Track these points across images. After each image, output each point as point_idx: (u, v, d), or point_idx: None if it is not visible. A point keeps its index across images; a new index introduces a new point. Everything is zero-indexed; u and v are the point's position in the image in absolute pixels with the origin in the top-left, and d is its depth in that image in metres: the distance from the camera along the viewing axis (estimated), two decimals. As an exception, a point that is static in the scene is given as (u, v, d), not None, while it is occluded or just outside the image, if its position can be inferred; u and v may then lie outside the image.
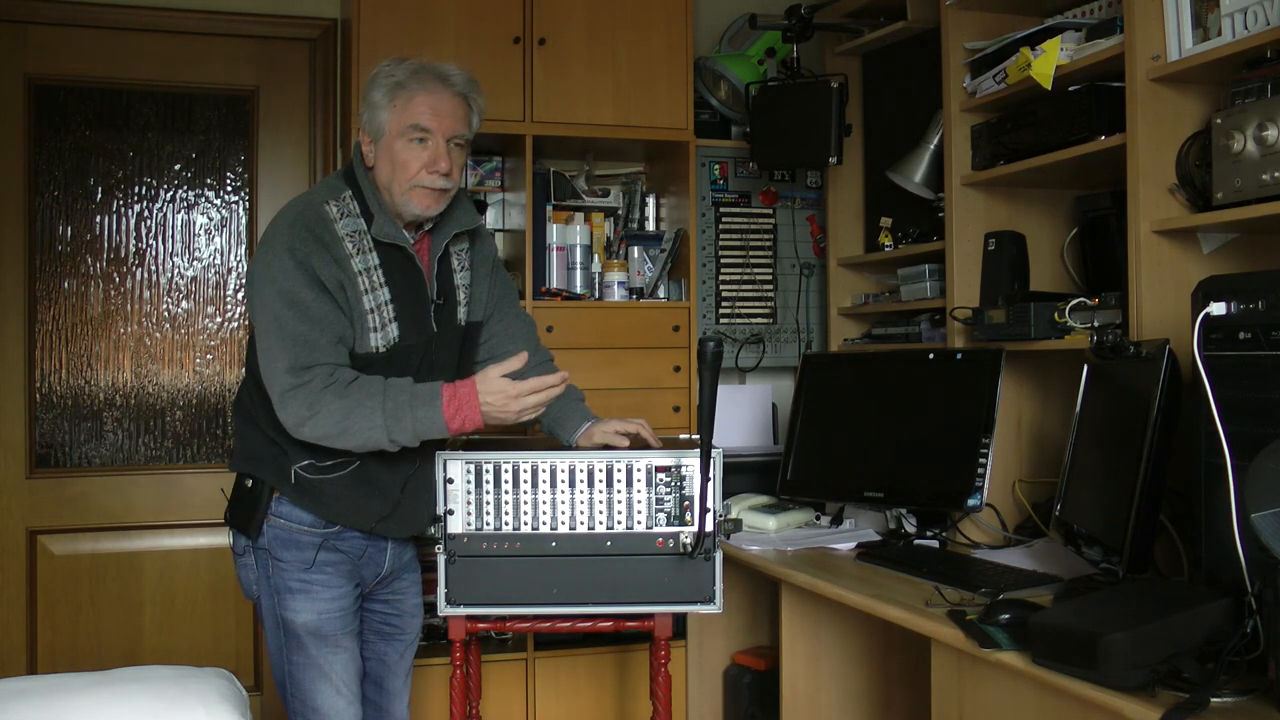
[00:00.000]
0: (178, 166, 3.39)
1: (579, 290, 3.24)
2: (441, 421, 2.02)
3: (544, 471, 2.18)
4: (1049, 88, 2.32)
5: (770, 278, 3.54)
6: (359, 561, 2.21)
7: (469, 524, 2.18)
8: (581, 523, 2.19)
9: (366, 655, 2.31)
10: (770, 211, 3.55)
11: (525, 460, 2.18)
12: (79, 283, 3.30)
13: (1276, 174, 1.82)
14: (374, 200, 2.13)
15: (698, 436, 2.09)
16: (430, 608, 2.38)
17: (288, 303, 2.02)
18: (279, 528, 2.14)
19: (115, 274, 3.33)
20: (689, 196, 3.25)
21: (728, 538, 2.27)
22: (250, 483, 2.17)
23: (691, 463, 2.18)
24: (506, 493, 2.18)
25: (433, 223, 2.21)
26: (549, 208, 3.29)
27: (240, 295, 3.42)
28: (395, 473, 2.17)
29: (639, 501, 2.19)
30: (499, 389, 2.03)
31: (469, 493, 2.18)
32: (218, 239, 3.41)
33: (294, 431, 2.04)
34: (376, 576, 2.26)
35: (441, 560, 2.19)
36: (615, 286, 3.26)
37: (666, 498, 2.19)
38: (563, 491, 2.19)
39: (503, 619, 2.34)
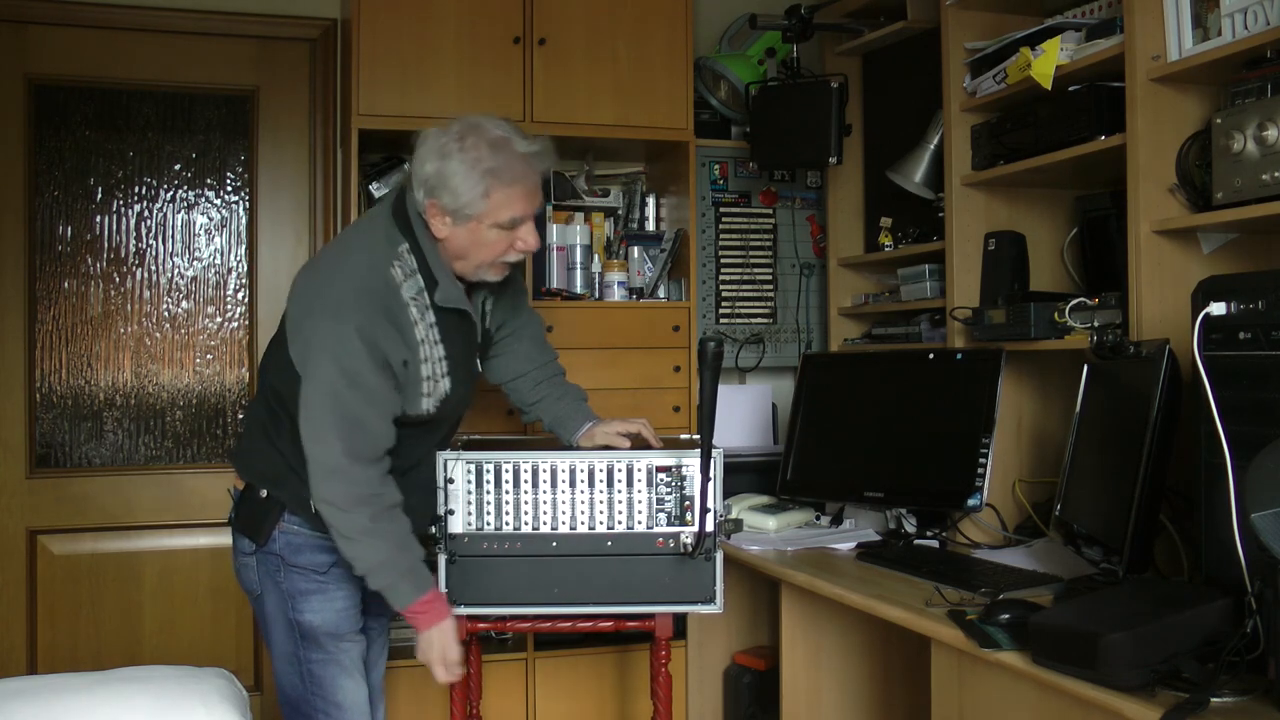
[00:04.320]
0: (178, 166, 3.39)
1: (579, 290, 3.24)
2: (403, 606, 2.08)
3: (544, 471, 2.18)
4: (1049, 88, 2.32)
5: (770, 278, 3.54)
6: None
7: (469, 524, 2.18)
8: (582, 523, 2.19)
9: None
10: (770, 211, 3.55)
11: (526, 460, 2.18)
12: (79, 283, 3.30)
13: (1276, 174, 1.82)
14: (437, 265, 2.08)
15: (698, 436, 2.09)
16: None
17: (350, 382, 1.98)
18: (291, 534, 2.14)
19: (115, 274, 3.33)
20: (689, 196, 3.25)
21: (728, 538, 2.27)
22: (265, 494, 2.16)
23: (692, 463, 2.18)
24: (507, 493, 2.18)
25: None
26: (549, 208, 3.29)
27: (241, 295, 3.42)
28: (418, 506, 2.18)
29: (639, 501, 2.19)
30: (446, 646, 2.11)
31: (469, 493, 2.18)
32: (218, 239, 3.41)
33: (314, 494, 2.04)
34: None
35: (442, 560, 2.19)
36: (615, 286, 3.26)
37: (667, 498, 2.19)
38: (563, 491, 2.19)
39: (503, 619, 2.33)
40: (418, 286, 2.06)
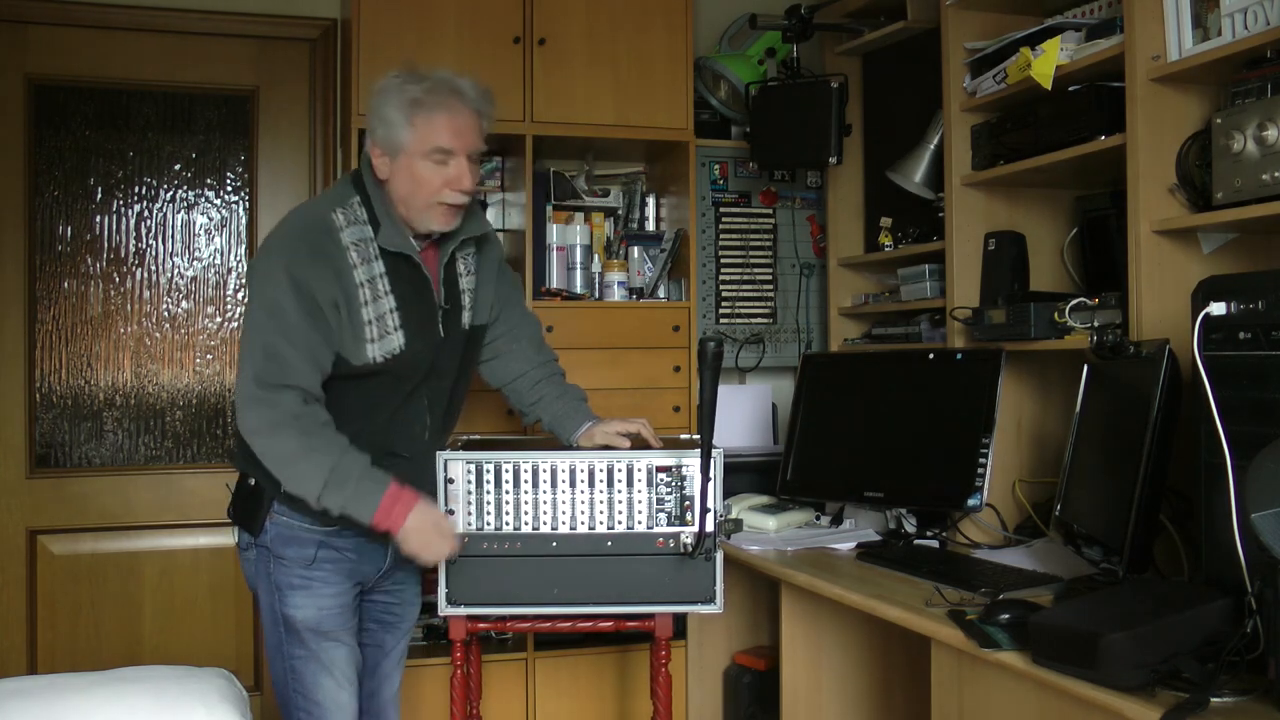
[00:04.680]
0: (178, 166, 3.39)
1: (579, 290, 3.24)
2: (371, 512, 2.05)
3: (544, 471, 2.18)
4: (1049, 88, 2.32)
5: (770, 278, 3.54)
6: (359, 559, 2.21)
7: (469, 524, 2.18)
8: (582, 523, 2.19)
9: (365, 641, 2.33)
10: (770, 211, 3.55)
11: (526, 460, 2.18)
12: (79, 283, 3.30)
13: (1276, 174, 1.82)
14: (382, 209, 2.13)
15: (698, 436, 2.09)
16: (430, 608, 2.38)
17: (271, 315, 2.03)
18: (281, 525, 2.15)
19: (115, 274, 3.33)
20: (689, 196, 3.25)
21: (728, 538, 2.27)
22: (253, 481, 2.18)
23: (692, 463, 2.18)
24: (507, 493, 2.18)
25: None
26: (549, 208, 3.29)
27: (240, 295, 3.42)
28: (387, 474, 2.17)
29: (639, 501, 2.19)
30: (434, 519, 2.10)
31: (469, 493, 2.18)
32: (218, 239, 3.41)
33: (245, 435, 2.07)
34: (378, 571, 2.26)
35: (442, 560, 2.19)
36: (615, 286, 3.26)
37: (667, 498, 2.19)
38: (563, 491, 2.19)
39: (503, 619, 2.34)
40: (362, 234, 2.11)
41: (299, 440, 2.03)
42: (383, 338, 2.11)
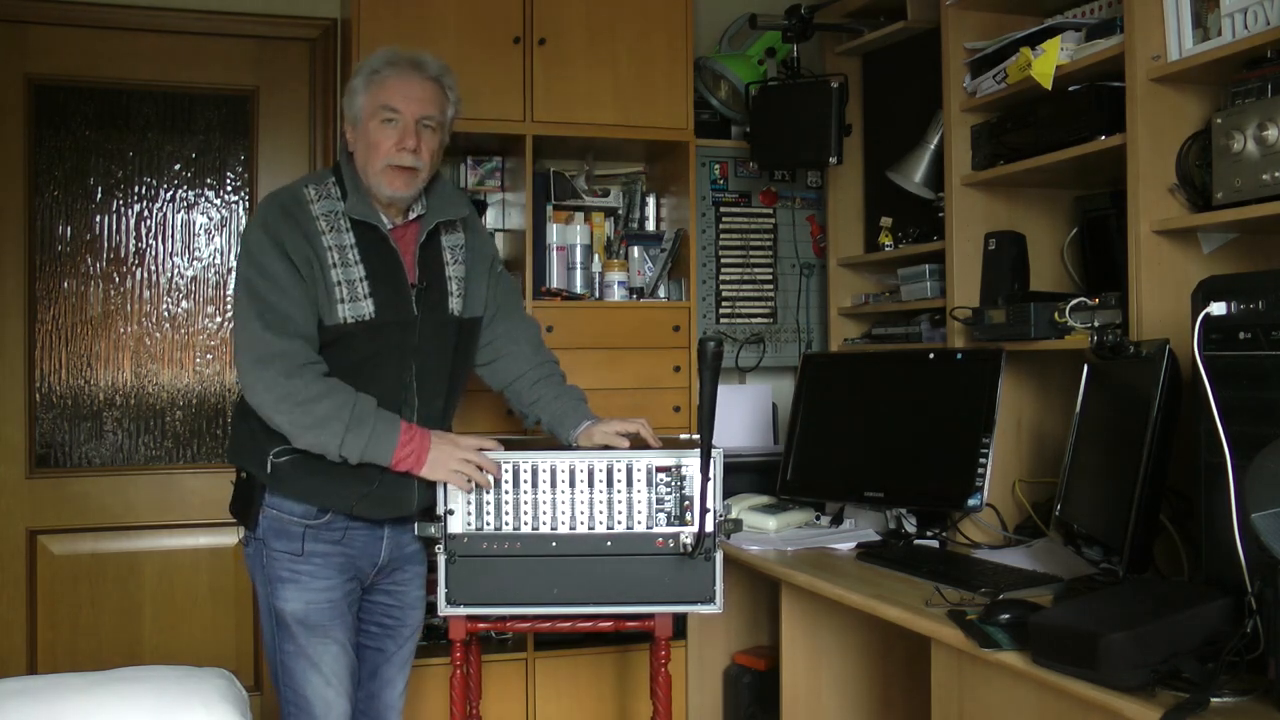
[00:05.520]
0: (178, 166, 3.39)
1: (579, 290, 3.24)
2: (392, 446, 2.11)
3: (544, 471, 2.18)
4: (1049, 88, 2.32)
5: (770, 278, 3.54)
6: (354, 553, 2.23)
7: (469, 524, 2.18)
8: (582, 523, 2.19)
9: (366, 644, 2.33)
10: (770, 211, 3.55)
11: (525, 460, 2.18)
12: (79, 283, 3.30)
13: (1276, 174, 1.82)
14: (352, 184, 2.21)
15: (698, 436, 2.09)
16: (430, 608, 2.38)
17: (261, 273, 2.12)
18: (272, 518, 2.18)
19: (115, 274, 3.33)
20: (689, 196, 3.25)
21: (728, 538, 2.27)
22: (245, 475, 2.22)
23: (692, 463, 2.18)
24: (507, 493, 2.18)
25: (421, 210, 2.27)
26: (549, 208, 3.29)
27: (240, 295, 3.42)
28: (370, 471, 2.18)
29: (639, 501, 2.19)
30: (456, 445, 2.15)
31: (469, 492, 2.18)
32: (218, 239, 3.41)
33: (261, 396, 2.10)
34: (375, 566, 2.27)
35: (442, 560, 2.19)
36: (615, 286, 3.26)
37: (667, 498, 2.19)
38: (563, 491, 2.19)
39: (503, 619, 2.34)
40: (332, 208, 2.19)
41: (319, 384, 2.10)
42: (353, 301, 2.16)
